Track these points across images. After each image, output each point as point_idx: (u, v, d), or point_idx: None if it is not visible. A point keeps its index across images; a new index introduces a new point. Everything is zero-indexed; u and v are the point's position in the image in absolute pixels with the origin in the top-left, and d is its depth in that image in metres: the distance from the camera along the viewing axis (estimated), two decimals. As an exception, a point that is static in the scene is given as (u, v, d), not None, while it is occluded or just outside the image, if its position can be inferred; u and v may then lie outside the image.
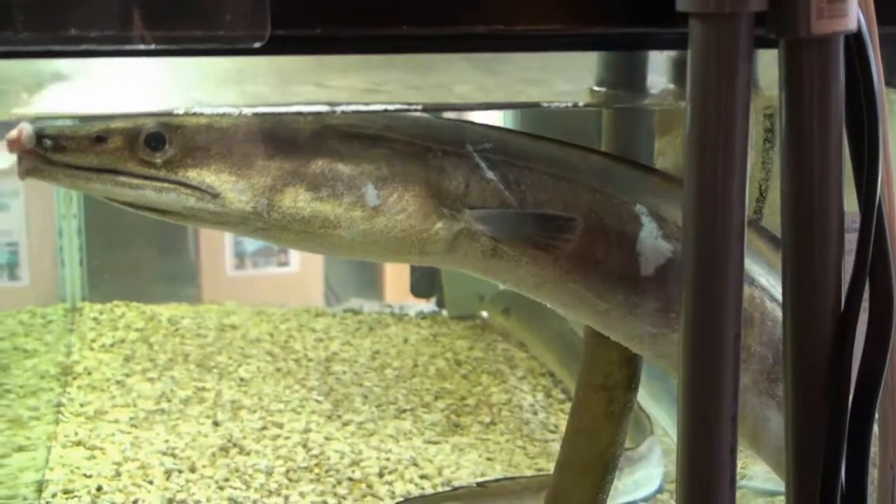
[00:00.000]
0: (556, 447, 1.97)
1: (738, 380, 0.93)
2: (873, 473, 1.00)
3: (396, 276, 4.87)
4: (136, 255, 5.14)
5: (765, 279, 1.15)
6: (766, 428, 1.18)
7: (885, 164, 0.94)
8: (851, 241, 0.94)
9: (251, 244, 4.97)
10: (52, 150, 1.02)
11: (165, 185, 1.05)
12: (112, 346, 3.73)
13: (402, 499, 2.51)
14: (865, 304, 0.95)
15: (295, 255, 5.02)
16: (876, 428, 0.98)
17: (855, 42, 0.90)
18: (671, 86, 1.13)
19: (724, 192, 0.89)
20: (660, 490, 2.62)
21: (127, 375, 3.43)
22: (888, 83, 1.07)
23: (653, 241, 1.12)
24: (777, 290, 1.12)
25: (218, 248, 4.92)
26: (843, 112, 0.90)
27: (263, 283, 4.88)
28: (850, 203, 0.94)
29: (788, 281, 0.94)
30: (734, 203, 0.89)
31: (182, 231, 5.31)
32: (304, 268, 5.02)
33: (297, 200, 1.05)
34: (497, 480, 2.56)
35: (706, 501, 0.90)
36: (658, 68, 1.10)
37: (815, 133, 0.91)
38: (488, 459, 2.81)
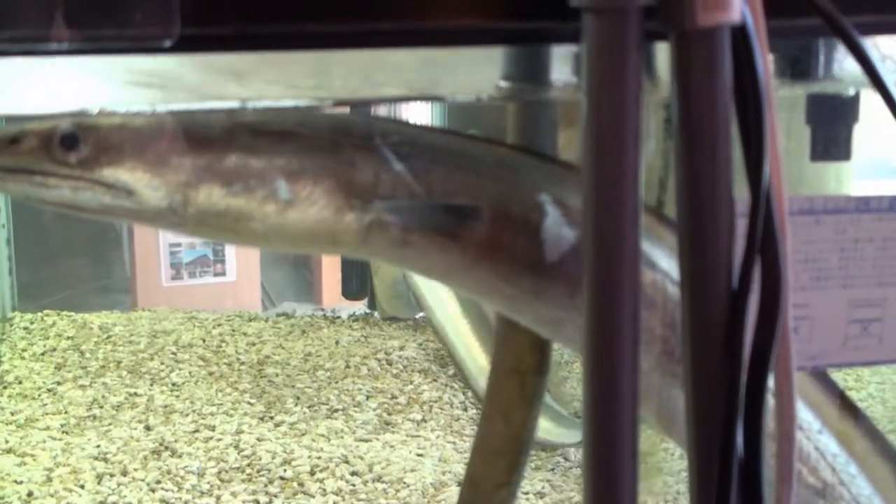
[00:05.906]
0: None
1: (638, 359, 0.96)
2: (772, 447, 1.05)
3: (333, 280, 4.88)
4: (68, 266, 5.10)
5: (666, 263, 1.19)
6: (672, 407, 1.22)
7: (772, 152, 0.98)
8: (742, 225, 0.99)
9: (187, 255, 4.94)
10: None
11: (81, 184, 1.06)
12: (43, 354, 3.71)
13: (333, 495, 2.54)
14: (757, 285, 0.99)
15: (231, 264, 4.99)
16: (773, 401, 1.02)
17: (741, 34, 0.94)
18: (574, 79, 1.16)
19: (619, 179, 0.92)
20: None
21: (58, 383, 3.43)
22: (786, 74, 1.11)
23: (557, 229, 1.15)
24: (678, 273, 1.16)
25: (153, 258, 4.88)
26: (730, 103, 0.94)
27: (199, 292, 4.85)
28: (741, 191, 0.98)
29: (684, 264, 0.98)
30: (628, 189, 0.93)
31: (116, 242, 5.27)
32: (240, 276, 5.00)
33: (211, 196, 1.06)
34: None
35: (609, 472, 0.93)
36: (562, 62, 1.13)
37: (704, 123, 0.94)
38: (419, 455, 2.85)
